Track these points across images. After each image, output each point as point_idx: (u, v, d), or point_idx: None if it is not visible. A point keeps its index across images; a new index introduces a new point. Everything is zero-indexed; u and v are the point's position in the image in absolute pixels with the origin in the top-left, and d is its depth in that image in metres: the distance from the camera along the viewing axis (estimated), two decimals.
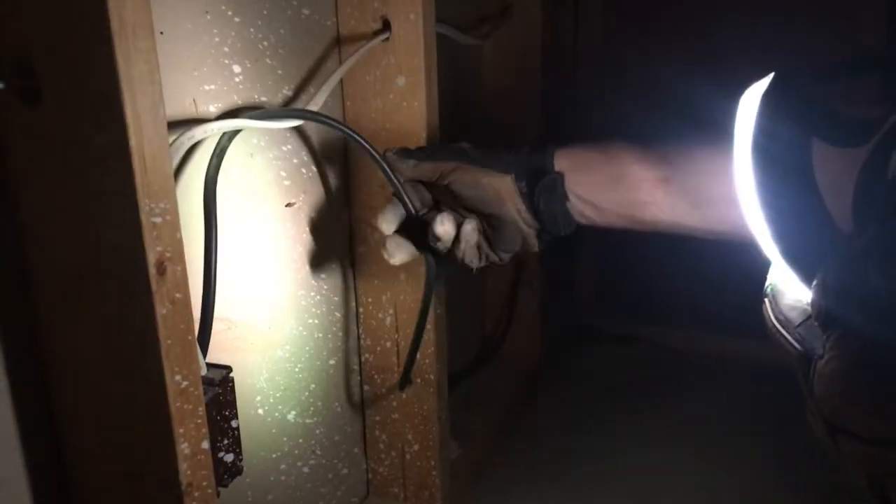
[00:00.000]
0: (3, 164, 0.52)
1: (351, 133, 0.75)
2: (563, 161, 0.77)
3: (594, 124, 1.49)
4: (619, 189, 0.76)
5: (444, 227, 0.74)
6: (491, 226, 0.78)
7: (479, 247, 0.78)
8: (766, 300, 0.60)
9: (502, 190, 0.76)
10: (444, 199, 0.79)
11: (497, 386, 1.34)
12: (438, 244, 0.75)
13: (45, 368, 0.56)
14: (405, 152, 0.77)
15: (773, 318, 0.58)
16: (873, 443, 0.48)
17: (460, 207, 0.78)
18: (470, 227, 0.75)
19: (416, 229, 0.77)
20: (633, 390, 1.39)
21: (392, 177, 0.76)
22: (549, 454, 1.20)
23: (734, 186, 0.60)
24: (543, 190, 0.76)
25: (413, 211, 0.77)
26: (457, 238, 0.75)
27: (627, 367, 1.49)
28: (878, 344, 0.47)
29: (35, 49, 0.48)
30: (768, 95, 0.57)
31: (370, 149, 0.75)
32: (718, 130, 0.64)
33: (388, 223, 0.77)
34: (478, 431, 1.19)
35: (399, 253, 0.77)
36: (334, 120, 0.75)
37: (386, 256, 0.78)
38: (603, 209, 0.77)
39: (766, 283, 0.61)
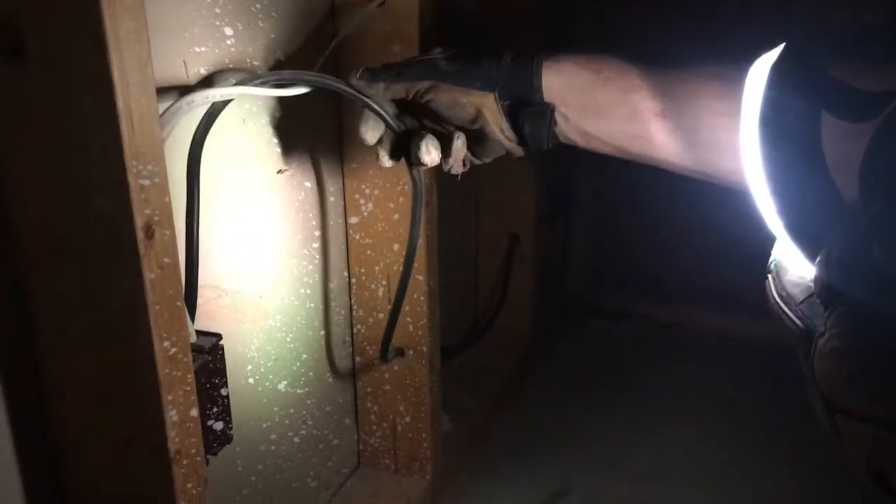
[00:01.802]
0: None
1: (348, 90, 0.72)
2: (551, 78, 0.71)
3: None
4: (610, 118, 0.71)
5: (430, 155, 0.72)
6: (473, 138, 0.75)
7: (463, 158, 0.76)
8: (770, 276, 0.59)
9: (484, 108, 0.72)
10: (423, 114, 0.75)
11: (490, 361, 1.34)
12: (424, 163, 0.73)
13: (31, 336, 0.56)
14: (371, 73, 0.72)
15: (775, 294, 0.58)
16: (872, 422, 0.47)
17: (442, 121, 0.75)
18: (459, 144, 0.73)
19: (398, 141, 0.74)
20: (627, 366, 1.40)
21: (361, 97, 0.72)
22: (542, 429, 1.21)
23: (733, 133, 0.59)
24: (530, 116, 0.72)
25: (394, 128, 0.74)
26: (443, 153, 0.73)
27: (621, 344, 1.49)
28: (880, 321, 0.46)
29: (20, 5, 0.47)
30: (777, 67, 0.56)
31: (342, 86, 0.72)
32: (732, 62, 0.61)
33: (370, 133, 0.73)
34: (470, 405, 1.19)
35: (388, 161, 0.75)
36: (336, 80, 0.72)
37: (381, 161, 0.76)
38: (590, 135, 0.73)
39: (770, 259, 0.60)
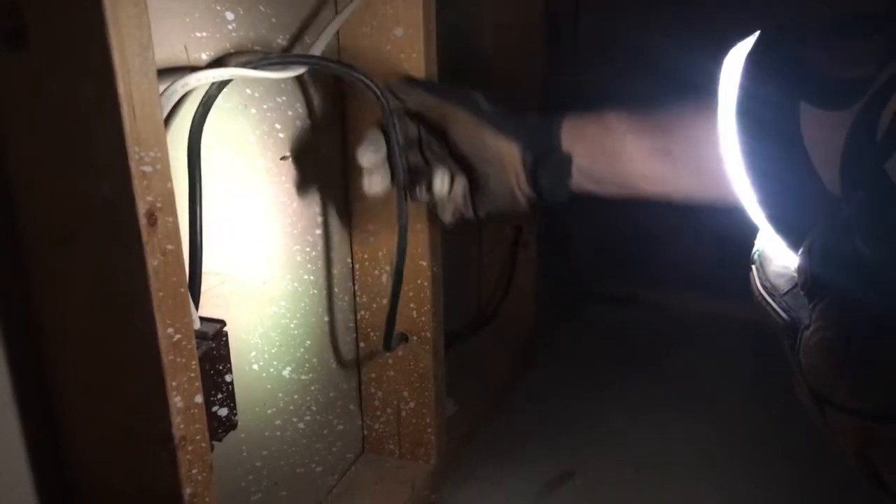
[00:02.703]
0: None
1: (348, 70, 0.72)
2: (566, 133, 0.75)
3: (596, 83, 1.47)
4: (618, 162, 0.74)
5: (443, 187, 0.73)
6: (477, 183, 0.76)
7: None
8: (753, 267, 0.59)
9: (506, 156, 0.74)
10: (433, 138, 0.77)
11: (494, 347, 1.34)
12: (422, 194, 0.74)
13: (35, 322, 0.55)
14: (412, 81, 0.76)
15: (759, 285, 0.57)
16: (859, 414, 0.47)
17: (448, 155, 0.76)
18: (460, 187, 0.74)
19: (392, 163, 0.75)
20: (630, 353, 1.40)
21: (388, 108, 0.73)
22: (546, 415, 1.21)
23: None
24: (550, 167, 0.75)
25: (399, 160, 0.74)
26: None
27: (623, 329, 1.49)
28: (863, 312, 0.46)
29: None
30: (753, 57, 0.55)
31: (369, 82, 0.73)
32: (712, 93, 0.62)
33: (367, 157, 0.74)
34: (474, 391, 1.20)
35: (376, 187, 0.75)
36: (333, 60, 0.72)
37: (364, 187, 0.76)
38: (602, 182, 0.76)
39: (754, 250, 0.60)
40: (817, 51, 0.53)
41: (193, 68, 0.63)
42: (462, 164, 0.76)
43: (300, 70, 0.69)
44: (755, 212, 0.55)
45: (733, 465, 1.08)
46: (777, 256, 0.57)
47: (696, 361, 1.35)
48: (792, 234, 0.53)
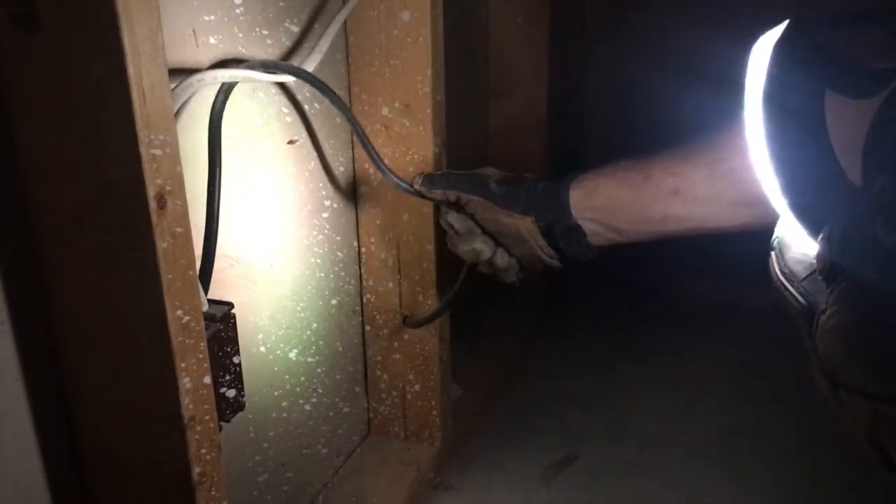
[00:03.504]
0: (2, 94, 0.51)
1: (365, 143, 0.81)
2: (576, 195, 0.81)
3: (602, 79, 1.47)
4: (635, 211, 0.79)
5: (504, 261, 0.86)
6: (509, 252, 0.86)
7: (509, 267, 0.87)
8: (773, 253, 0.60)
9: (523, 229, 0.82)
10: (471, 221, 0.86)
11: (498, 330, 1.34)
12: (487, 268, 0.87)
13: (46, 304, 0.56)
14: (430, 179, 0.85)
15: (778, 271, 0.58)
16: (874, 398, 0.47)
17: (483, 232, 0.86)
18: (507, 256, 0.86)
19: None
20: (635, 336, 1.40)
21: (359, 130, 0.81)
22: (550, 398, 1.21)
23: (748, 186, 0.60)
24: (563, 232, 0.82)
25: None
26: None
27: (628, 313, 1.50)
28: (881, 298, 0.46)
29: None
30: (781, 45, 0.55)
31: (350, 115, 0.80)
32: (722, 120, 0.64)
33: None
34: (479, 374, 1.20)
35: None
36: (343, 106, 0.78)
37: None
38: (625, 232, 0.82)
39: (773, 236, 0.60)
40: (845, 41, 0.54)
41: (200, 52, 0.63)
42: (494, 239, 0.85)
43: (290, 78, 0.72)
44: (777, 199, 0.56)
45: (738, 447, 1.08)
46: (796, 243, 0.57)
47: (702, 345, 1.36)
48: (813, 221, 0.54)
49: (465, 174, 0.85)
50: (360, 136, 0.80)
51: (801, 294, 0.54)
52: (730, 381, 1.25)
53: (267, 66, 0.68)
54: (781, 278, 0.57)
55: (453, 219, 0.85)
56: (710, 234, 0.77)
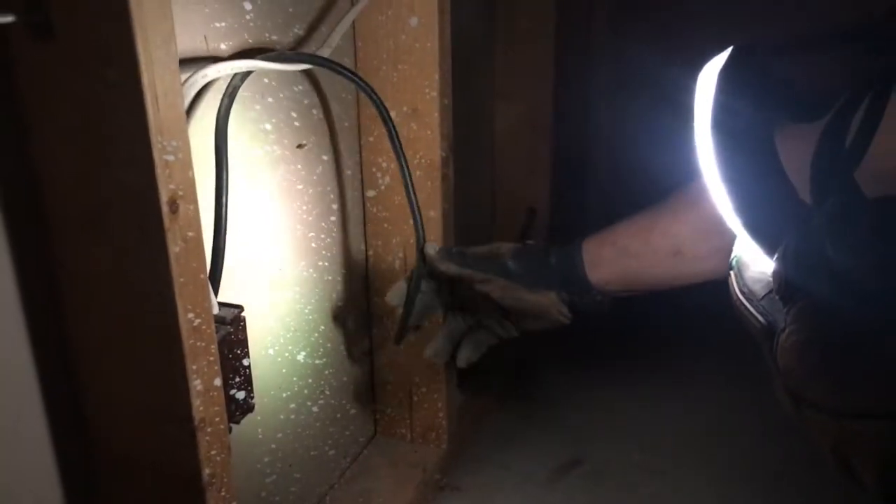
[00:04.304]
0: (18, 100, 0.51)
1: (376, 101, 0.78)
2: (587, 265, 0.85)
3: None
4: (644, 278, 0.84)
5: (508, 333, 0.90)
6: (525, 320, 0.89)
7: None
8: (731, 273, 0.60)
9: (546, 303, 0.86)
10: (467, 294, 0.88)
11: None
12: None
13: (60, 307, 0.57)
14: (446, 254, 0.87)
15: (737, 290, 0.58)
16: (835, 414, 0.48)
17: (492, 306, 0.88)
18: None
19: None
20: (639, 337, 1.40)
21: (385, 113, 0.80)
22: (553, 400, 1.22)
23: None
24: (583, 297, 0.87)
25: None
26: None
27: (633, 315, 1.50)
28: (835, 316, 0.47)
29: None
30: (727, 70, 0.56)
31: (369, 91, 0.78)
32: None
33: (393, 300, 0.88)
34: (484, 377, 1.21)
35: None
36: (359, 79, 0.76)
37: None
38: (633, 288, 0.86)
39: (731, 256, 0.61)
40: (788, 65, 0.55)
41: (214, 58, 0.64)
42: (507, 311, 0.88)
43: (309, 66, 0.72)
44: (731, 219, 0.56)
45: (742, 447, 1.09)
46: (753, 262, 0.58)
47: (707, 353, 1.36)
48: (767, 240, 0.54)
49: (480, 255, 0.88)
50: (391, 133, 0.80)
51: (760, 313, 0.55)
52: (735, 386, 1.25)
53: (282, 57, 0.69)
54: (741, 297, 0.57)
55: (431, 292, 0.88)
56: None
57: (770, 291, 0.54)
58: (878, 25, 0.53)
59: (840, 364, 0.48)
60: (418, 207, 0.84)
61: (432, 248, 0.86)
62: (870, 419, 0.47)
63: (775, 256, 0.51)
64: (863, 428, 0.47)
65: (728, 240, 0.66)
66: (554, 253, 0.87)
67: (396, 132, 0.80)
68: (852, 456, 0.49)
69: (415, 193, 0.83)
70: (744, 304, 0.57)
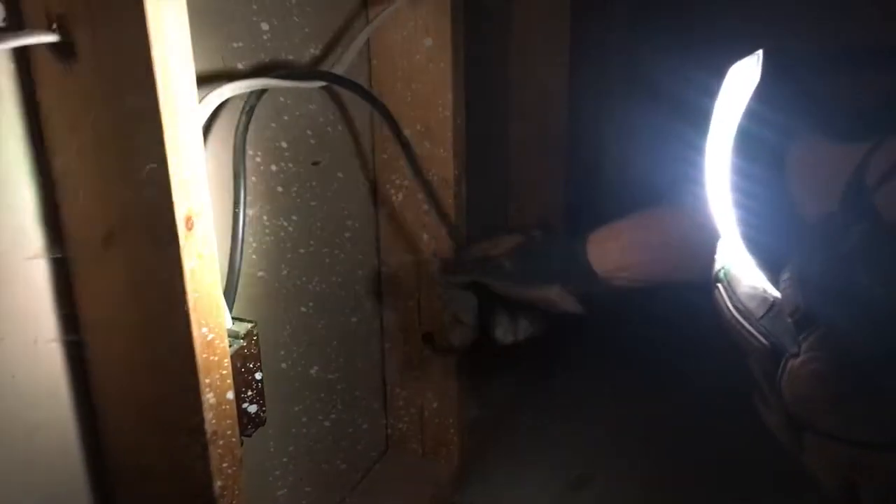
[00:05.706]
0: (39, 119, 0.53)
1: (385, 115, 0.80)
2: (591, 255, 0.85)
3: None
4: (647, 274, 0.84)
5: (522, 333, 0.90)
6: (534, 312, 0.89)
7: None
8: (720, 286, 0.58)
9: (551, 295, 0.85)
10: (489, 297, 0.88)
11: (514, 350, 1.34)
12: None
13: (76, 320, 0.58)
14: (444, 265, 0.89)
15: (730, 306, 0.57)
16: (852, 444, 0.47)
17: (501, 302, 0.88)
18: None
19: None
20: (651, 351, 1.40)
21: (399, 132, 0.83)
22: (564, 416, 1.22)
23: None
24: (597, 297, 0.86)
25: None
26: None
27: (645, 329, 1.49)
28: (863, 347, 0.46)
29: (70, 6, 0.49)
30: (767, 82, 0.55)
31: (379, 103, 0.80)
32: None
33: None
34: (496, 393, 1.21)
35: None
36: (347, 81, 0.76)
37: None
38: (635, 281, 0.86)
39: (717, 268, 0.60)
40: (832, 82, 0.53)
41: (231, 76, 0.65)
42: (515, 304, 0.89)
43: (323, 83, 0.74)
44: (729, 228, 0.55)
45: (756, 462, 1.08)
46: (745, 276, 0.57)
47: (718, 369, 1.35)
48: (765, 255, 0.53)
49: (479, 256, 0.89)
50: (406, 149, 0.82)
51: (761, 334, 0.53)
52: (744, 395, 1.24)
53: (297, 74, 0.70)
54: (736, 315, 0.56)
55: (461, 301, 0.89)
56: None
57: (769, 310, 0.53)
58: None
59: (863, 397, 0.47)
60: (442, 216, 0.87)
61: (435, 264, 0.88)
62: (894, 451, 0.46)
63: (785, 278, 0.50)
64: (876, 458, 0.47)
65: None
66: (556, 248, 0.87)
67: (412, 149, 0.81)
68: (862, 485, 0.48)
69: (437, 203, 0.85)
70: (740, 322, 0.55)
